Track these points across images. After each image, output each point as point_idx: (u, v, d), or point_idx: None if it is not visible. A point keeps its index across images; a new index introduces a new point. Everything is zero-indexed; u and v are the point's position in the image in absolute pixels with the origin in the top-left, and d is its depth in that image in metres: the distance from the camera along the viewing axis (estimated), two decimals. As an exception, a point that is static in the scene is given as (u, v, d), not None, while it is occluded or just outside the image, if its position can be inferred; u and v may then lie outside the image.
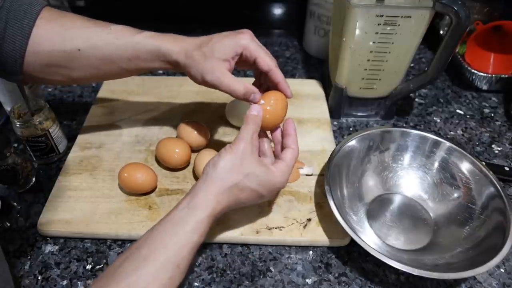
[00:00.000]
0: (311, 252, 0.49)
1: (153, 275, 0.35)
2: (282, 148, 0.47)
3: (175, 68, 0.48)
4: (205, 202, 0.40)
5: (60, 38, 0.44)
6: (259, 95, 0.47)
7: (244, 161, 0.42)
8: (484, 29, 0.72)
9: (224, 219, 0.50)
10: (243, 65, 0.49)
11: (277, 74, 0.47)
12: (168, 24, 0.90)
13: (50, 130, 0.56)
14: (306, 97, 0.70)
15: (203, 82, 0.46)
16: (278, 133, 0.48)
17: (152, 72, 0.77)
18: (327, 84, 0.71)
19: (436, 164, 0.55)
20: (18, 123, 0.53)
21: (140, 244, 0.38)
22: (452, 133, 0.67)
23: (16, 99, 0.61)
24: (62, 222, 0.50)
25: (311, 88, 0.73)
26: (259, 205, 0.52)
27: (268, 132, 0.49)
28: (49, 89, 0.74)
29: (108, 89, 0.70)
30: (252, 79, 0.53)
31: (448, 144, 0.54)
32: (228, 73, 0.46)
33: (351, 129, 0.68)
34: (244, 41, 0.45)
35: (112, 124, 0.64)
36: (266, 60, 0.46)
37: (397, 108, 0.69)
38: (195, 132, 0.57)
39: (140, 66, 0.48)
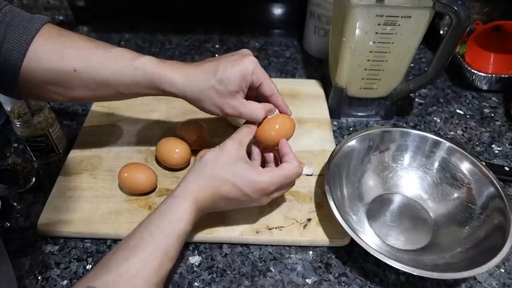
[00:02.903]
0: (311, 252, 0.49)
1: (142, 263, 0.37)
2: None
3: (173, 96, 0.46)
4: (187, 191, 0.42)
5: (58, 56, 0.43)
6: (275, 110, 0.49)
7: (228, 157, 0.43)
8: (484, 29, 0.72)
9: (224, 219, 0.50)
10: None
11: (278, 98, 0.48)
12: (168, 24, 0.91)
13: (50, 130, 0.56)
14: (306, 97, 0.70)
15: (222, 114, 0.46)
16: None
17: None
18: (327, 84, 0.71)
19: (436, 164, 0.55)
20: (18, 123, 0.53)
21: (129, 236, 0.39)
22: (452, 133, 0.67)
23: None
24: (62, 222, 0.50)
25: (311, 88, 0.73)
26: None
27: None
28: (49, 89, 0.74)
29: (108, 89, 0.70)
30: None
31: (448, 144, 0.54)
32: (245, 100, 0.46)
33: (351, 129, 0.68)
34: (251, 66, 0.45)
35: (112, 124, 0.64)
36: (270, 86, 0.47)
37: (397, 108, 0.69)
38: (195, 132, 0.58)
39: (139, 92, 0.46)
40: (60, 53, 0.43)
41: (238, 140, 0.45)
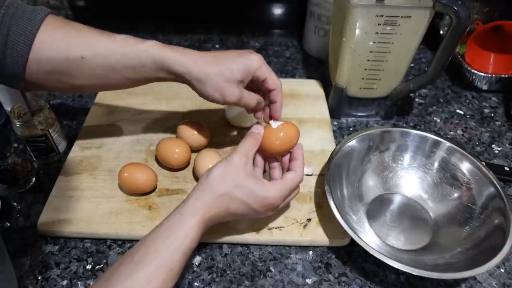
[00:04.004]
0: (311, 252, 0.49)
1: (147, 279, 0.36)
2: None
3: (178, 80, 0.48)
4: (195, 208, 0.41)
5: (64, 45, 0.43)
6: (263, 102, 0.51)
7: (236, 172, 0.43)
8: (484, 29, 0.72)
9: (224, 219, 0.50)
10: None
11: (279, 94, 0.50)
12: (168, 24, 0.91)
13: (50, 130, 0.56)
14: (306, 97, 0.70)
15: (221, 99, 0.47)
16: (286, 158, 0.49)
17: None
18: (327, 84, 0.71)
19: (436, 164, 0.55)
20: (18, 123, 0.53)
21: (135, 249, 0.39)
22: (452, 133, 0.67)
23: (16, 99, 0.61)
24: (62, 222, 0.50)
25: (311, 88, 0.73)
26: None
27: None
28: (49, 89, 0.74)
29: (108, 89, 0.70)
30: None
31: (448, 144, 0.54)
32: (244, 89, 0.48)
33: (351, 129, 0.68)
34: (257, 62, 0.47)
35: (112, 124, 0.64)
36: (275, 80, 0.49)
37: (397, 108, 0.69)
38: (195, 132, 0.58)
39: (145, 76, 0.47)
40: (66, 41, 0.43)
41: (245, 153, 0.44)
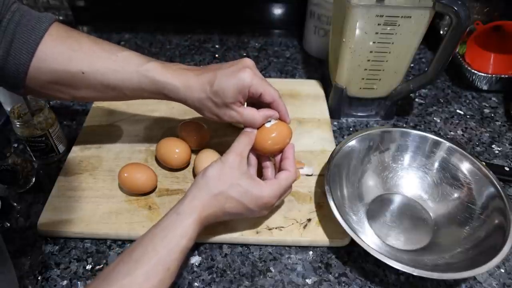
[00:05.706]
0: (311, 252, 0.49)
1: (144, 278, 0.36)
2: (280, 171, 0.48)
3: (176, 102, 0.48)
4: (191, 207, 0.42)
5: (66, 58, 0.43)
6: (277, 114, 0.48)
7: (231, 172, 0.43)
8: (484, 29, 0.72)
9: (224, 219, 0.50)
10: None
11: (279, 105, 0.48)
12: (168, 24, 0.91)
13: (50, 130, 0.56)
14: (306, 97, 0.70)
15: (220, 121, 0.48)
16: (279, 158, 0.49)
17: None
18: (327, 84, 0.71)
19: (436, 164, 0.55)
20: (18, 123, 0.53)
21: (132, 248, 0.39)
22: (452, 133, 0.67)
23: (16, 99, 0.61)
24: (62, 222, 0.50)
25: (311, 88, 0.73)
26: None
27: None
28: (49, 89, 0.74)
29: (108, 89, 0.70)
30: None
31: (448, 144, 0.54)
32: (241, 108, 0.46)
33: (351, 129, 0.68)
34: (248, 79, 0.44)
35: (112, 124, 0.64)
36: (271, 93, 0.46)
37: (397, 108, 0.69)
38: (195, 132, 0.58)
39: (144, 96, 0.48)
40: (68, 55, 0.43)
41: (239, 152, 0.45)
